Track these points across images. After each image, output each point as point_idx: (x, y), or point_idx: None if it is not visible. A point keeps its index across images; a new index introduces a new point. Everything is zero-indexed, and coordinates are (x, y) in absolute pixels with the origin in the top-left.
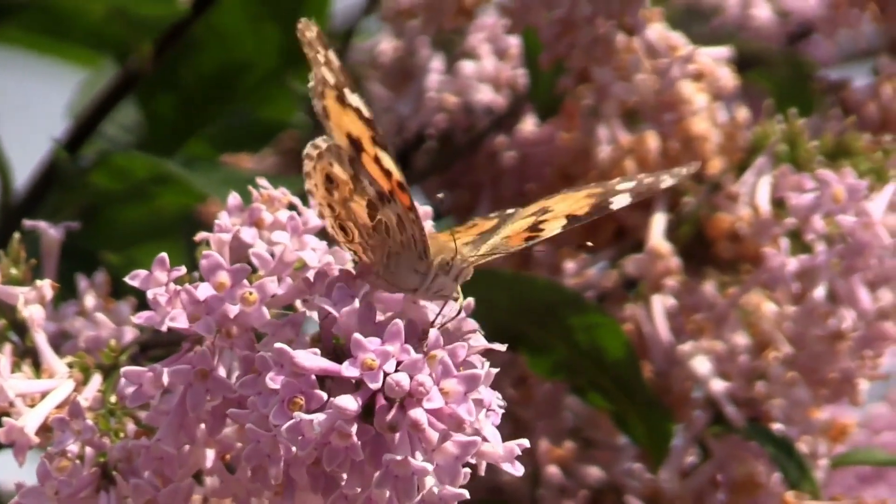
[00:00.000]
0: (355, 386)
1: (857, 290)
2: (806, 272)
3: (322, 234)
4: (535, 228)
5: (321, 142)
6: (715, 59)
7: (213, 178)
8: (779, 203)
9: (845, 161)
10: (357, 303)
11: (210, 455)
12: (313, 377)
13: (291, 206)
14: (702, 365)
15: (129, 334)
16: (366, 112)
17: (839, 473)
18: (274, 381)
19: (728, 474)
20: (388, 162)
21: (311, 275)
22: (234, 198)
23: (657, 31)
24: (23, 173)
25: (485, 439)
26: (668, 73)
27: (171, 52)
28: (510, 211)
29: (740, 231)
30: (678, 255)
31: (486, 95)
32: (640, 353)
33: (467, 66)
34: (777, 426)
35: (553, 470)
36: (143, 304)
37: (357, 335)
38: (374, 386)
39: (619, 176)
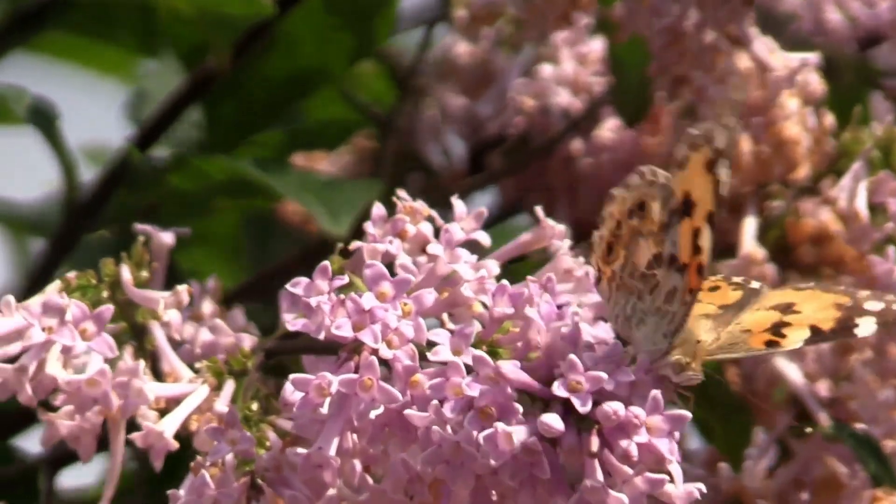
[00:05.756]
0: (538, 403)
1: None
2: None
3: (468, 247)
4: (777, 331)
5: (660, 174)
6: (806, 64)
7: (289, 181)
8: (871, 208)
9: None
10: (568, 322)
11: (357, 466)
12: (509, 390)
13: (430, 219)
14: (788, 366)
15: (248, 341)
16: (723, 190)
17: None
18: (471, 387)
19: (811, 474)
20: (706, 242)
21: (491, 286)
22: (378, 208)
23: (761, 39)
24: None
25: (671, 478)
26: (777, 86)
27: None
28: (755, 285)
29: (830, 234)
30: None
31: (564, 99)
32: None
33: (546, 69)
34: (859, 426)
35: None
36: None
37: (573, 356)
38: (584, 410)
39: None
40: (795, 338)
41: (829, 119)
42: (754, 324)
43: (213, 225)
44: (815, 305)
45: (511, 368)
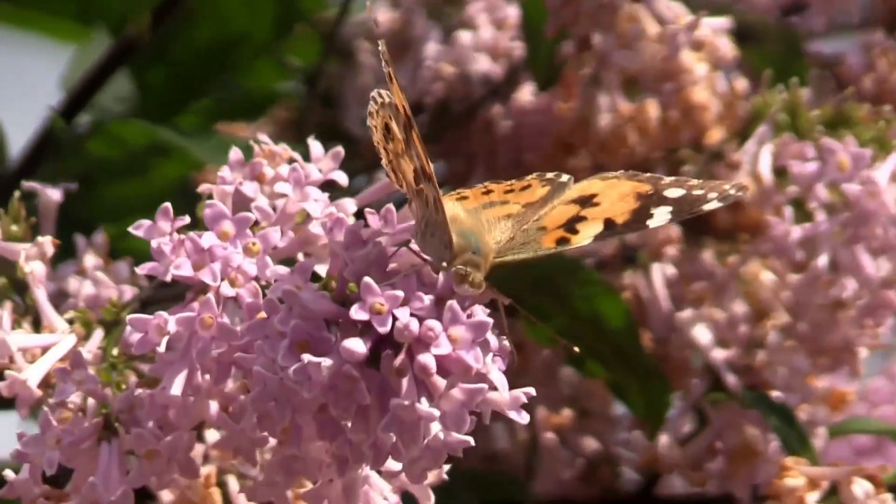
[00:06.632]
0: (361, 332)
1: (862, 258)
2: (809, 241)
3: (323, 187)
4: (570, 227)
5: (385, 94)
6: (715, 29)
7: (208, 146)
8: (780, 172)
9: (845, 131)
10: (370, 248)
11: (213, 407)
12: (322, 321)
13: (292, 162)
14: (701, 333)
15: (129, 293)
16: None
17: (836, 446)
18: (283, 323)
19: (726, 442)
20: (425, 151)
21: (327, 222)
22: (235, 153)
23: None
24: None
25: (492, 386)
26: (675, 40)
27: (166, 23)
28: (564, 178)
29: (742, 199)
30: (678, 224)
31: (483, 65)
32: (640, 321)
33: (465, 36)
34: (776, 394)
35: (550, 436)
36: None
37: (367, 279)
38: (383, 330)
39: (621, 146)
40: (587, 234)
41: (741, 83)
42: (551, 220)
43: (146, 192)
44: (616, 195)
45: (311, 298)
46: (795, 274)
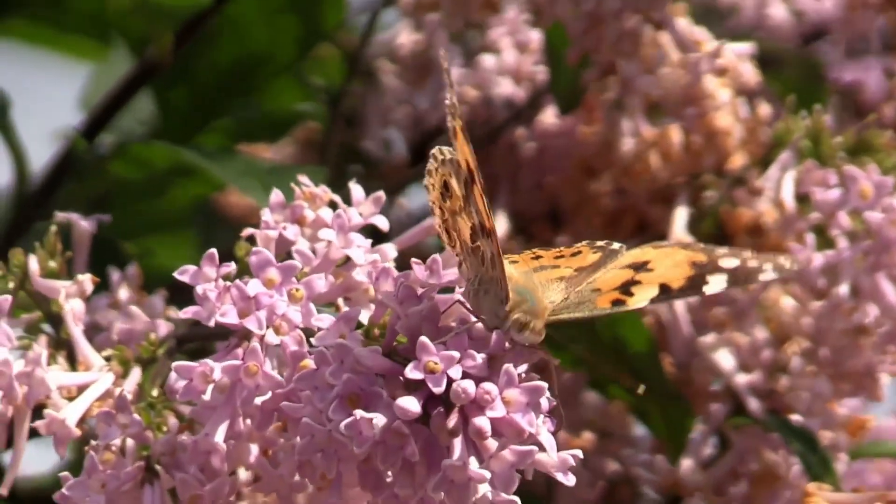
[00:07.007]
0: (407, 386)
1: (883, 286)
2: (830, 268)
3: (365, 231)
4: (626, 290)
5: (447, 151)
6: (738, 54)
7: (231, 168)
8: (802, 198)
9: (866, 158)
10: (424, 304)
11: (254, 450)
12: (374, 375)
13: (332, 204)
14: (724, 357)
15: (164, 327)
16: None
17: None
18: (334, 376)
19: (748, 466)
20: (487, 206)
21: (371, 271)
22: (276, 195)
23: (683, 25)
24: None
25: (541, 447)
26: (697, 68)
27: (189, 44)
28: (616, 246)
29: (764, 225)
30: None
31: (506, 88)
32: (661, 345)
33: (487, 60)
34: (797, 418)
35: None
36: (173, 296)
37: (423, 339)
38: (438, 390)
39: (643, 170)
40: (643, 296)
41: (765, 109)
42: (606, 283)
43: (166, 210)
44: (670, 263)
45: (367, 354)
46: (816, 300)
